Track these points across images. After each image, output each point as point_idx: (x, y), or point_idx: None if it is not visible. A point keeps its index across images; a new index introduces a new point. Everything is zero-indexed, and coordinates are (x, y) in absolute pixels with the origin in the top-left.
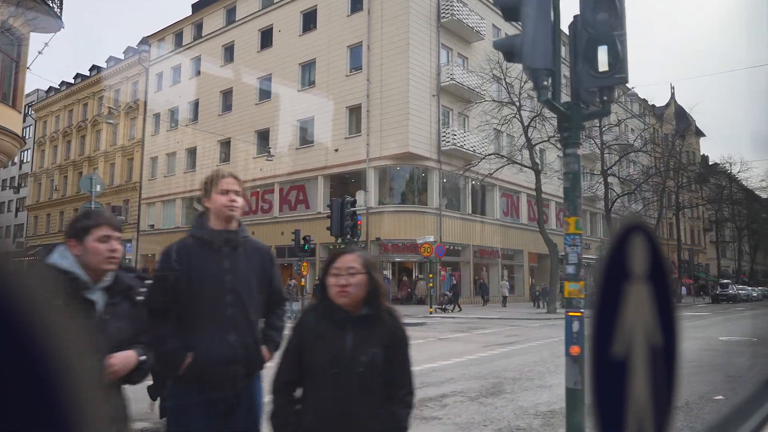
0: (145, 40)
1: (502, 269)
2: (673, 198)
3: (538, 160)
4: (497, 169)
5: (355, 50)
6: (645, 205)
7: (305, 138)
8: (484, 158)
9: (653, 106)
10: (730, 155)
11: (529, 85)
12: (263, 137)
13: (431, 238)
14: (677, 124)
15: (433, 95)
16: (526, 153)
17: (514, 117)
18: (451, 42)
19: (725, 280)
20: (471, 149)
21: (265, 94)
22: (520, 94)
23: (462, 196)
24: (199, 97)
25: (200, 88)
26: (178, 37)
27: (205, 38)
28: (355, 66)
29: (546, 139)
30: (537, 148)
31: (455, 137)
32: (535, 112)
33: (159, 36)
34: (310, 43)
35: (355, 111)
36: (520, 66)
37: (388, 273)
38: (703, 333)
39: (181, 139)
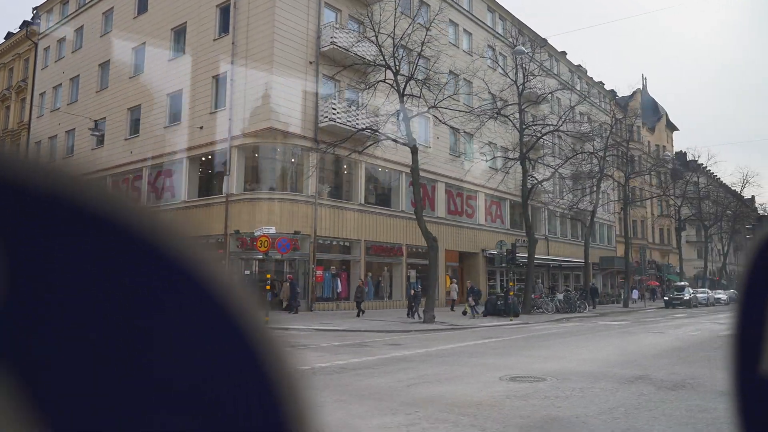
0: (36, 12)
1: (407, 269)
2: (620, 190)
3: (415, 136)
4: (366, 147)
5: (225, 9)
6: (578, 197)
7: (174, 115)
8: (354, 134)
9: (619, 96)
10: (695, 146)
11: (415, 42)
12: (135, 116)
13: (272, 230)
14: (644, 116)
15: (311, 62)
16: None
17: (387, 83)
18: (339, 1)
19: (681, 283)
20: (358, 126)
21: (138, 67)
22: (395, 54)
23: (354, 184)
24: (80, 73)
25: (81, 62)
26: (65, 6)
27: (88, 5)
28: (224, 29)
29: (426, 110)
30: (415, 120)
31: (335, 112)
32: (408, 75)
33: (47, 6)
34: (182, 5)
35: (221, 81)
36: (392, 21)
37: (250, 273)
38: (508, 361)
39: (62, 120)
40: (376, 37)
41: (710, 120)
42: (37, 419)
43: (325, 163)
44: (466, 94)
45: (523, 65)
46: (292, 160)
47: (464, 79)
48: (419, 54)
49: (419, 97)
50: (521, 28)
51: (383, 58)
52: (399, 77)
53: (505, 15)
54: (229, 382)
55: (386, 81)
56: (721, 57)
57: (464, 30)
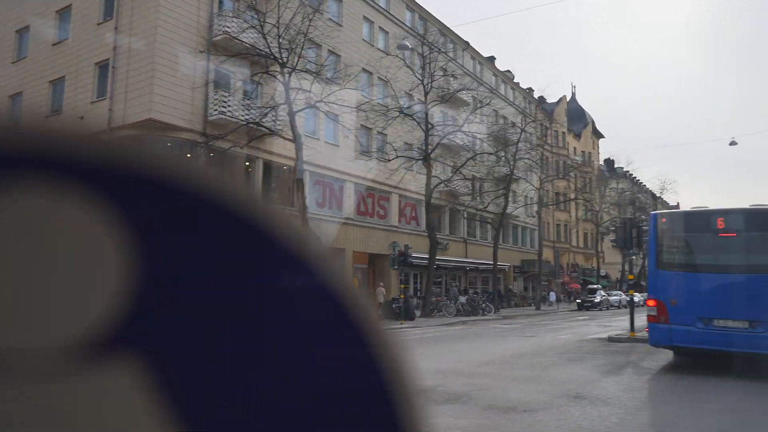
0: None
1: None
2: (535, 194)
3: (322, 133)
4: (251, 141)
5: None
6: (490, 198)
7: (55, 105)
8: (238, 128)
9: (548, 103)
10: (616, 151)
11: (308, 34)
12: (16, 105)
13: None
14: (571, 122)
15: (201, 51)
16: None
17: (271, 75)
18: None
19: (594, 286)
20: (252, 119)
21: (21, 52)
22: (280, 44)
23: (251, 181)
24: None
25: None
26: None
27: None
28: (108, 12)
29: (312, 104)
30: (322, 117)
31: (225, 104)
32: (291, 67)
33: None
34: None
35: (104, 69)
36: (288, 10)
37: None
38: None
39: None
40: (261, 26)
41: (637, 129)
42: (166, 409)
43: (216, 159)
44: (353, 89)
45: (430, 64)
46: (189, 155)
47: (378, 77)
48: (303, 45)
49: (309, 91)
50: (441, 28)
51: (268, 48)
52: (284, 69)
53: (426, 15)
54: (345, 374)
55: (269, 72)
56: (651, 69)
57: (380, 28)
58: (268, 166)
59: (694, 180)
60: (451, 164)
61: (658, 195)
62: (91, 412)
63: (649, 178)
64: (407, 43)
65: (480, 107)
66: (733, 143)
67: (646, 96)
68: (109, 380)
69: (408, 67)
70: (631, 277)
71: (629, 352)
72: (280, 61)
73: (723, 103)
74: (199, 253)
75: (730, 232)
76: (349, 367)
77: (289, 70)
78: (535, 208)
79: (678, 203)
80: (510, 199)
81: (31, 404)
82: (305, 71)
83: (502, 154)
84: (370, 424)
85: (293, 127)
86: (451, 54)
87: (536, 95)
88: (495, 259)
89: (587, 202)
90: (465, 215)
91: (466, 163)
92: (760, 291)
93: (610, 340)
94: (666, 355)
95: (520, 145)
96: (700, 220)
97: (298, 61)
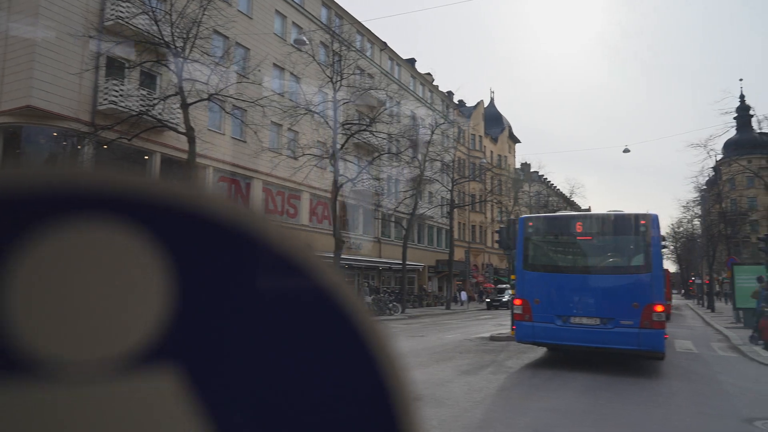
0: None
1: None
2: (446, 195)
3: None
4: (135, 135)
5: None
6: (399, 199)
7: None
8: (124, 120)
9: (466, 107)
10: (526, 155)
11: (205, 22)
12: None
13: None
14: (488, 127)
15: (90, 36)
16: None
17: (163, 64)
18: None
19: (502, 286)
20: (148, 111)
21: None
22: (173, 32)
23: (147, 177)
24: None
25: None
26: None
27: None
28: None
29: (206, 97)
30: (204, 108)
31: (116, 93)
32: (184, 57)
33: None
34: None
35: None
36: None
37: None
38: None
39: None
40: (153, 12)
41: (549, 135)
42: (201, 419)
43: (107, 152)
44: (252, 83)
45: (340, 61)
46: (79, 146)
47: (292, 73)
48: (197, 34)
49: (206, 83)
50: (358, 26)
51: (160, 35)
52: (177, 59)
53: (341, 13)
54: (346, 374)
55: (161, 62)
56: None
57: (293, 23)
58: (169, 161)
59: (605, 183)
60: (365, 163)
61: (568, 197)
62: (134, 413)
63: (559, 181)
64: (304, 38)
65: (388, 109)
66: (626, 150)
67: (557, 104)
68: (149, 385)
69: (318, 63)
70: (513, 277)
71: (500, 351)
72: (172, 49)
73: (625, 112)
74: (224, 271)
75: (586, 235)
76: (350, 368)
77: (182, 59)
78: (448, 209)
79: (589, 207)
80: (425, 199)
81: (79, 405)
82: (197, 62)
83: (410, 154)
84: (369, 425)
85: (186, 120)
86: (368, 54)
87: (456, 99)
88: (404, 258)
89: (500, 204)
90: (378, 215)
91: (373, 161)
92: (610, 290)
93: (491, 338)
94: (535, 353)
95: (431, 146)
96: (560, 225)
97: (191, 50)
